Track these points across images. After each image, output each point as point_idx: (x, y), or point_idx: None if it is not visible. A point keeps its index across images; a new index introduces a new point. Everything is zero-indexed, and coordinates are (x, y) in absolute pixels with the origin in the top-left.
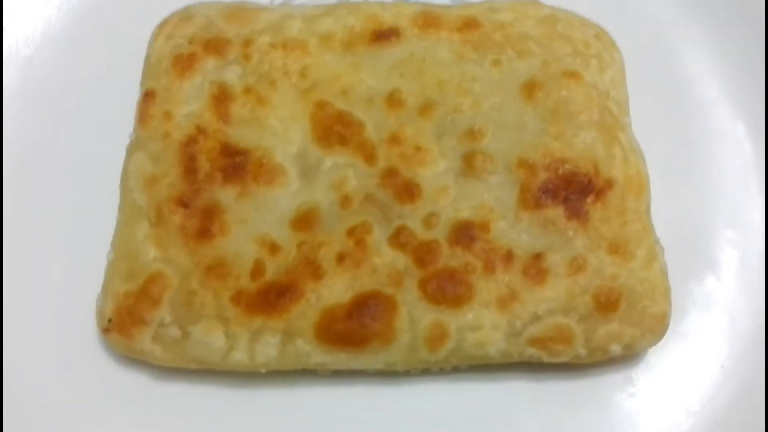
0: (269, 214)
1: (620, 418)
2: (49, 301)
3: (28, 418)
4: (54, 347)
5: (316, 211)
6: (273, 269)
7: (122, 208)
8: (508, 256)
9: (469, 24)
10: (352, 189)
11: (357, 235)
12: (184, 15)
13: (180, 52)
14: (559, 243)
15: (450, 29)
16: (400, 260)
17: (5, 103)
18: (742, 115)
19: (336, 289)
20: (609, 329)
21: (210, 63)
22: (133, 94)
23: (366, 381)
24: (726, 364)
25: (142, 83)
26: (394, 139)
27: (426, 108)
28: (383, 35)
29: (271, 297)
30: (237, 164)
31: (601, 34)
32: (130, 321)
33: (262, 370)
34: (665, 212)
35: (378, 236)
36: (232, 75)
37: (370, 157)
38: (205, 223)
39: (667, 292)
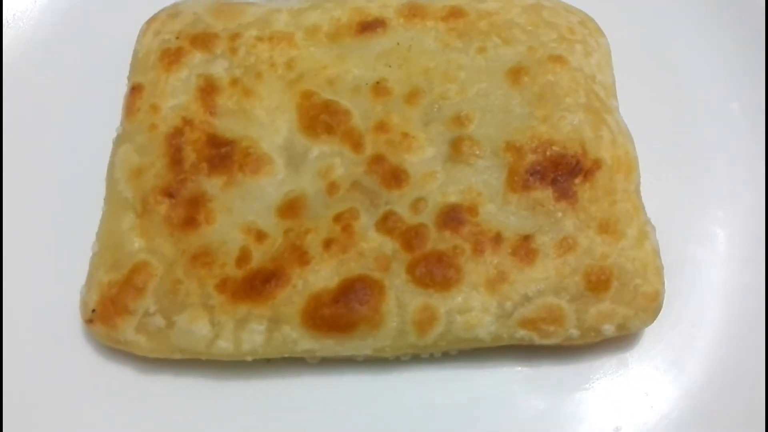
0: (256, 202)
1: (614, 402)
2: (34, 294)
3: (12, 410)
4: (38, 340)
5: (303, 199)
6: (259, 256)
7: (108, 199)
8: (497, 238)
9: (454, 13)
10: (339, 176)
11: (344, 221)
12: (172, 12)
13: (167, 47)
14: (548, 224)
15: (435, 18)
16: (388, 245)
17: None
18: (736, 95)
19: (323, 275)
20: (601, 309)
21: (197, 57)
22: (121, 90)
23: (355, 369)
24: (722, 345)
25: (129, 78)
26: (381, 127)
27: (412, 96)
28: (369, 26)
29: (256, 284)
30: (223, 154)
31: (586, 21)
32: (114, 311)
33: (249, 358)
34: (656, 193)
35: (365, 222)
36: (219, 68)
37: (357, 145)
38: (191, 213)
39: (659, 270)
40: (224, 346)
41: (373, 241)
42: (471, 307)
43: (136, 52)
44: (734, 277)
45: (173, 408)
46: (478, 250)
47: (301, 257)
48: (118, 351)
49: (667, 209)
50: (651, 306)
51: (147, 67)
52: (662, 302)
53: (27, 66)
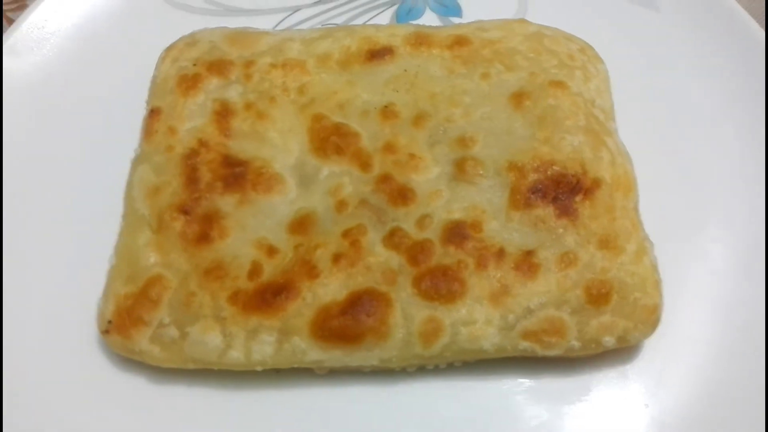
0: (267, 219)
1: (614, 414)
2: (53, 305)
3: (27, 419)
4: (55, 350)
5: (313, 216)
6: (270, 270)
7: (126, 216)
8: (500, 254)
9: (459, 41)
10: (348, 194)
11: (352, 236)
12: (190, 41)
13: (185, 73)
14: (549, 240)
15: (441, 47)
16: (394, 259)
17: (21, 119)
18: (730, 117)
19: (331, 288)
20: (602, 321)
21: (213, 82)
22: (140, 113)
23: (362, 380)
24: (719, 358)
25: (148, 102)
26: (389, 148)
27: (419, 119)
28: (378, 54)
29: (267, 296)
30: (237, 174)
31: (585, 48)
32: (129, 322)
33: (259, 369)
34: (654, 211)
35: (372, 237)
36: (234, 93)
37: (365, 165)
38: (205, 229)
39: (657, 284)
40: (235, 356)
41: (380, 256)
42: (475, 319)
43: (154, 78)
44: (730, 291)
45: (186, 416)
46: (481, 264)
47: (311, 271)
48: (132, 361)
49: (665, 226)
50: (650, 318)
51: (165, 92)
52: (661, 314)
53: (52, 89)
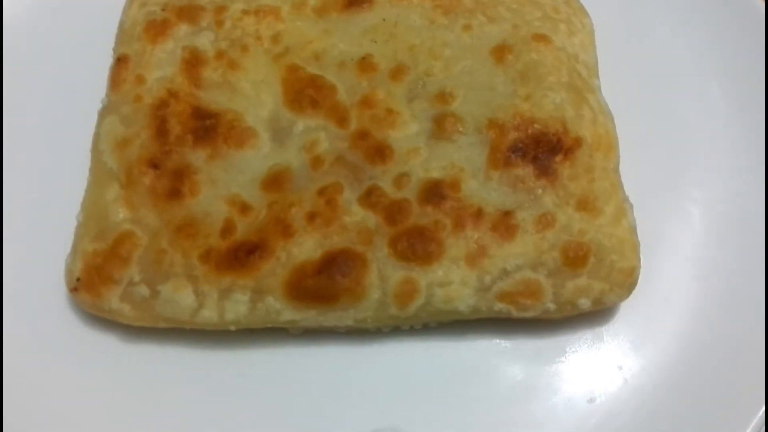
0: (240, 175)
1: (589, 374)
2: (19, 263)
3: None
4: (23, 308)
5: (287, 173)
6: (243, 228)
7: (93, 170)
8: (478, 214)
9: None
10: (324, 151)
11: (327, 194)
12: None
13: (153, 19)
14: (528, 201)
15: None
16: (371, 219)
17: None
18: (716, 77)
19: (306, 247)
20: (577, 284)
21: (183, 29)
22: (107, 61)
23: (337, 340)
24: (695, 320)
25: (114, 49)
26: (366, 103)
27: (397, 72)
28: (356, 1)
29: (240, 255)
30: (208, 127)
31: (570, 1)
32: (98, 280)
33: (232, 328)
34: (635, 172)
35: (348, 196)
36: (205, 40)
37: (341, 120)
38: (176, 184)
39: (635, 247)
40: (208, 315)
41: (356, 215)
42: (451, 280)
43: (121, 24)
44: (708, 254)
45: (157, 376)
46: (459, 225)
47: (285, 230)
48: (102, 319)
49: (645, 188)
50: (627, 281)
51: (132, 39)
52: (638, 278)
53: (14, 36)
